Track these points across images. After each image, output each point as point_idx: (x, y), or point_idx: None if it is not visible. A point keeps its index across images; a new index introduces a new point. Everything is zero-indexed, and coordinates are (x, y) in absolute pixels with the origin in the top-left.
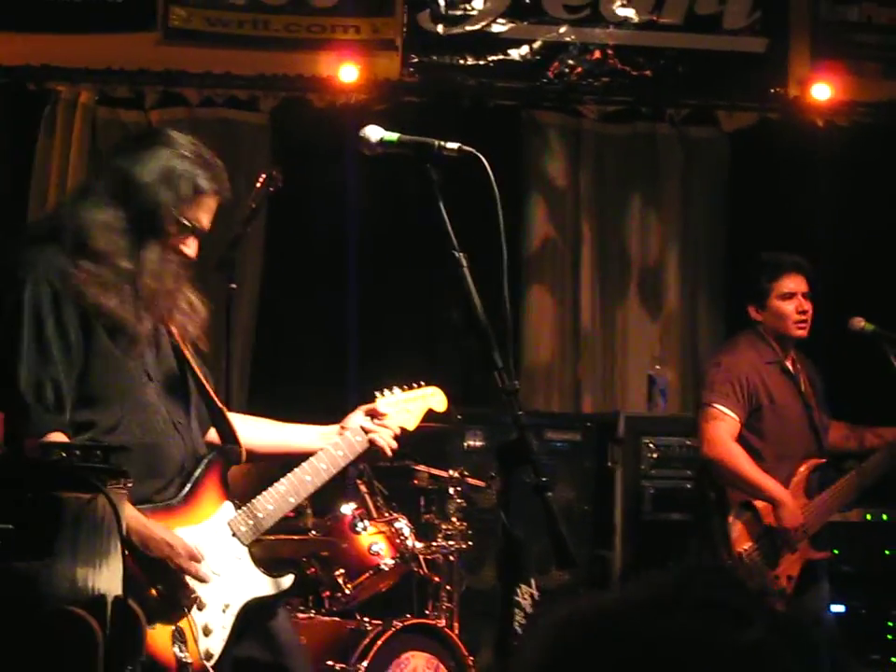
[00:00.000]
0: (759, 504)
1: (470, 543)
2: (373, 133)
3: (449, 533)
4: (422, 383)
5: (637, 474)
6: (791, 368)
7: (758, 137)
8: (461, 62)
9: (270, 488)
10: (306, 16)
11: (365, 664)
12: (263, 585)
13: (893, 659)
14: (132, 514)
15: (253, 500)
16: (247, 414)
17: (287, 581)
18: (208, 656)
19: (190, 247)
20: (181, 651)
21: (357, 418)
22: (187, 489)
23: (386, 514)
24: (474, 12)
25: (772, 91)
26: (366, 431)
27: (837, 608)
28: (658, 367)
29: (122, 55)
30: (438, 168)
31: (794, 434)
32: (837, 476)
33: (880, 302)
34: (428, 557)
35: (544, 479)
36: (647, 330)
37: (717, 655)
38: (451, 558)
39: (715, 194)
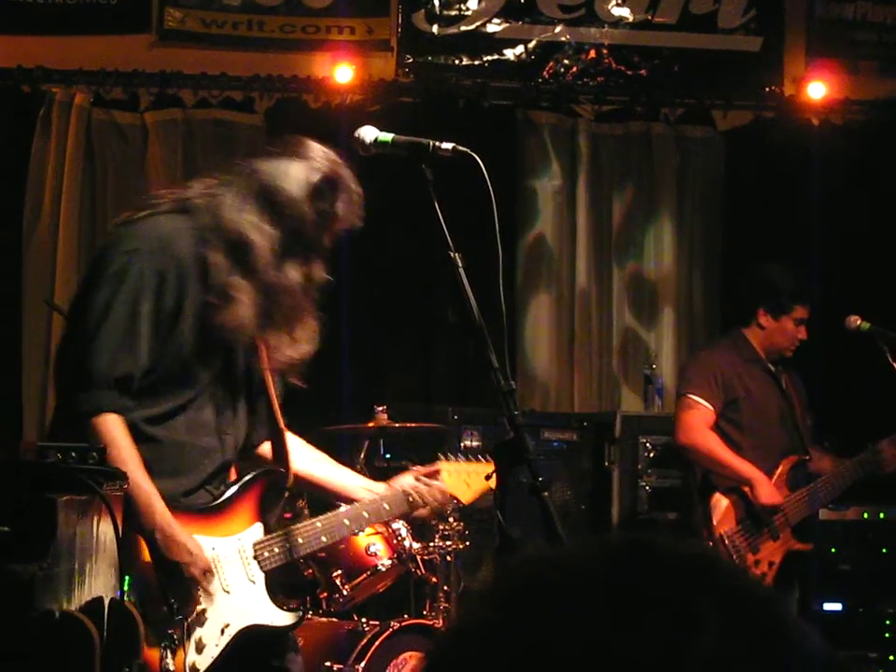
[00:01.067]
0: (745, 488)
1: (468, 543)
2: (368, 133)
3: (446, 533)
4: (487, 457)
5: (633, 473)
6: (772, 367)
7: (753, 136)
8: (456, 62)
9: (306, 522)
10: (301, 17)
11: (363, 664)
12: (268, 614)
13: (891, 657)
14: (160, 511)
15: (285, 530)
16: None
17: (292, 617)
18: (193, 670)
19: (321, 271)
20: (167, 657)
21: (409, 479)
22: (220, 500)
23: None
24: (469, 12)
25: (767, 89)
26: (414, 489)
27: (835, 605)
28: (654, 366)
29: (117, 56)
30: (433, 168)
31: (773, 428)
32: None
33: (876, 300)
34: (426, 558)
35: (541, 479)
36: (643, 330)
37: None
38: (448, 558)
39: (710, 193)
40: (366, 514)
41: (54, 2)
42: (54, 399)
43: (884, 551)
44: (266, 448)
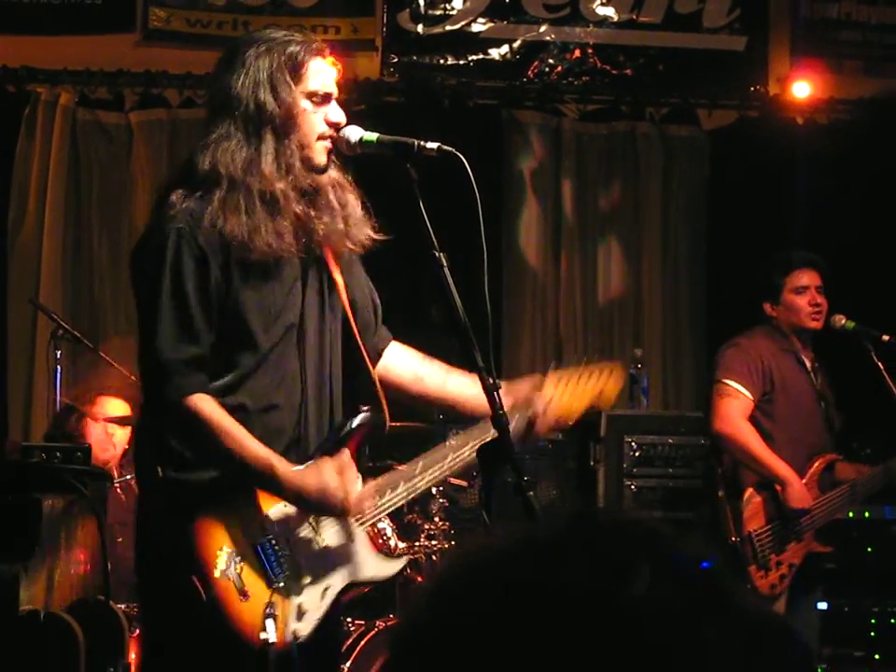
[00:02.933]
0: (779, 487)
1: (453, 543)
2: (353, 132)
3: (432, 533)
4: (595, 356)
5: (619, 473)
6: (806, 362)
7: (738, 135)
8: (441, 61)
9: (402, 468)
10: (286, 16)
11: (348, 664)
12: (372, 568)
13: (876, 656)
14: (277, 464)
15: (380, 479)
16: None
17: (401, 562)
18: (295, 638)
19: (333, 114)
20: (268, 629)
21: (523, 391)
22: (328, 451)
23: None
24: (454, 12)
25: (752, 88)
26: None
27: (820, 604)
28: (640, 365)
29: (102, 56)
30: (418, 168)
31: (806, 422)
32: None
33: (861, 299)
34: (411, 557)
35: (526, 478)
36: (628, 329)
37: (599, 610)
38: (434, 558)
39: (695, 192)
40: (472, 443)
41: (39, 1)
42: (144, 400)
43: (869, 549)
44: (394, 356)
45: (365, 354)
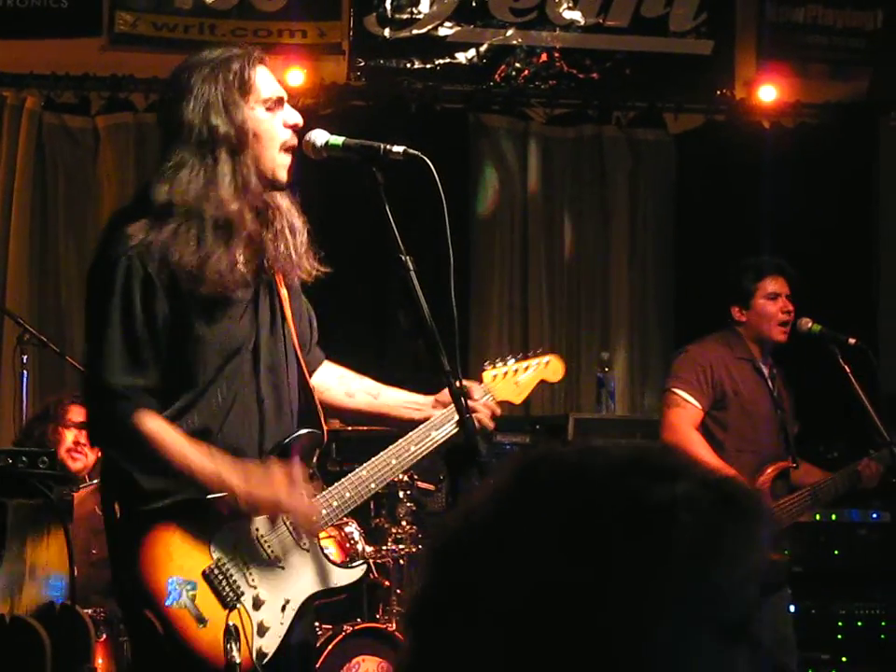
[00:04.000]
0: None
1: (420, 547)
2: (319, 136)
3: (399, 537)
4: (540, 350)
5: None
6: (764, 370)
7: (704, 139)
8: (408, 65)
9: (350, 474)
10: (252, 20)
11: (316, 667)
12: (330, 577)
13: (843, 658)
14: (225, 471)
15: (329, 488)
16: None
17: (358, 572)
18: (261, 655)
19: (289, 116)
20: (232, 649)
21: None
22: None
23: (341, 517)
24: (420, 16)
25: (718, 92)
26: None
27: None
28: (607, 368)
29: (68, 60)
30: (384, 172)
31: (760, 431)
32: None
33: (827, 302)
34: (379, 561)
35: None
36: (596, 332)
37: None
38: (401, 562)
39: (662, 196)
40: (414, 448)
41: (4, 5)
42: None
43: (836, 552)
44: (326, 375)
45: (306, 373)
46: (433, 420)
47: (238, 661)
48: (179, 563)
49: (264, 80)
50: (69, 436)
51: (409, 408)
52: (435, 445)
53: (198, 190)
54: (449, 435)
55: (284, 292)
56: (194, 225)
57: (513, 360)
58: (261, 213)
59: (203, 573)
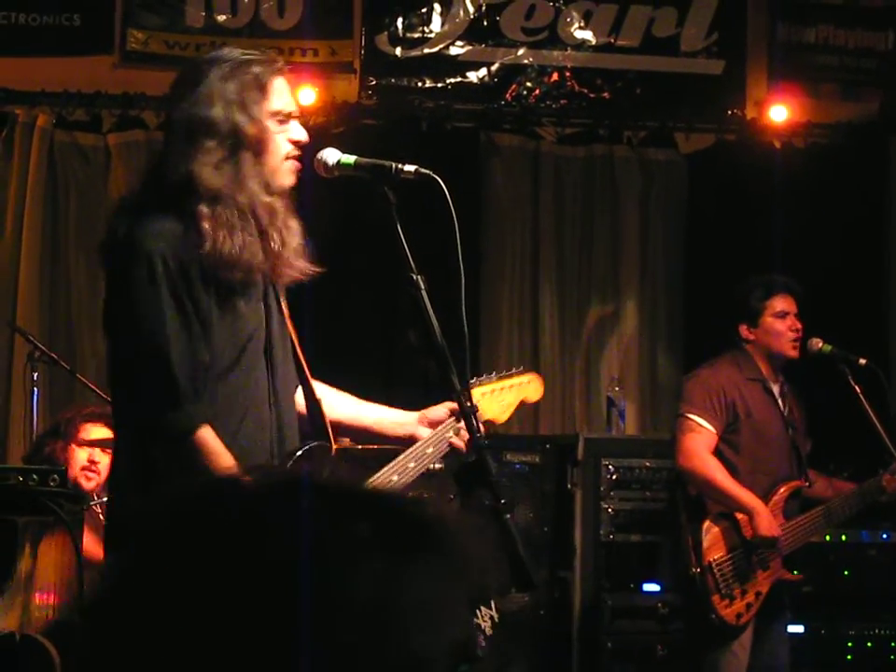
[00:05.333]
0: (739, 516)
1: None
2: (330, 155)
3: None
4: (521, 368)
5: (596, 496)
6: (774, 389)
7: (715, 159)
8: (419, 84)
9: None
10: (264, 38)
11: None
12: None
13: None
14: None
15: None
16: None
17: None
18: None
19: (295, 133)
20: None
21: (441, 412)
22: None
23: None
24: (432, 35)
25: (729, 112)
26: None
27: (797, 628)
28: (617, 388)
29: (80, 78)
30: (395, 191)
31: (772, 451)
32: (814, 504)
33: (838, 322)
34: None
35: (503, 501)
36: (606, 352)
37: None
38: None
39: (673, 215)
40: (412, 464)
41: (17, 23)
42: (130, 425)
43: (846, 573)
44: (300, 400)
45: (308, 374)
46: (429, 438)
47: None
48: None
49: (280, 91)
50: (82, 455)
51: (394, 424)
52: (430, 461)
53: (227, 181)
54: (441, 454)
55: (283, 298)
56: (230, 211)
57: (496, 377)
58: (272, 211)
59: None
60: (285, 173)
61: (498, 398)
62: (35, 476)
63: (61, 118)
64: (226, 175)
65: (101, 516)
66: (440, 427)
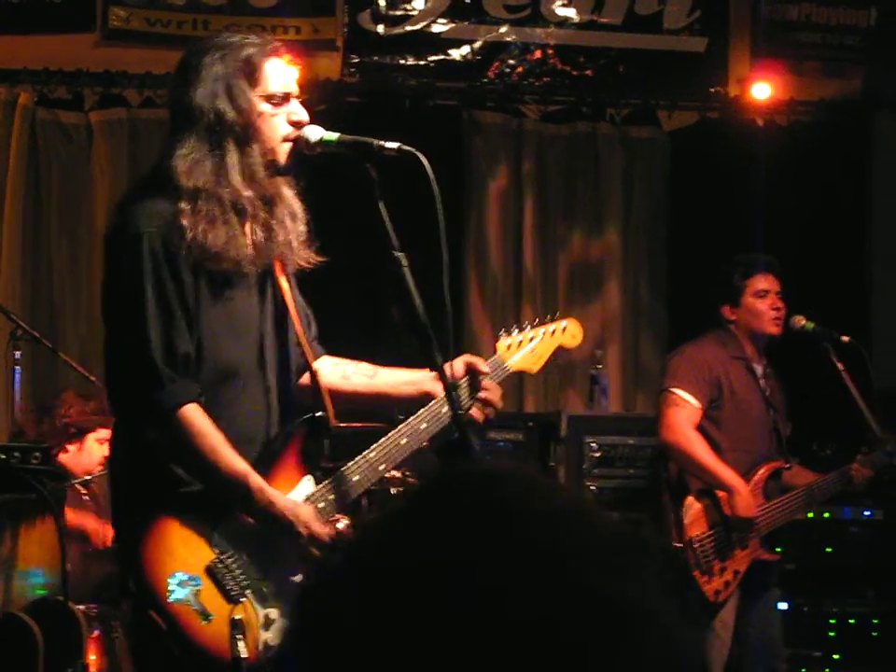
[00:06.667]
0: (720, 493)
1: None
2: (313, 132)
3: None
4: (557, 314)
5: (579, 473)
6: (757, 370)
7: (698, 136)
8: (402, 62)
9: (357, 457)
10: (246, 16)
11: None
12: None
13: (835, 656)
14: (257, 488)
15: (337, 472)
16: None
17: None
18: (267, 648)
19: (294, 112)
20: (237, 644)
21: (458, 367)
22: (271, 461)
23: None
24: (415, 12)
25: (712, 90)
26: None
27: (780, 604)
28: (600, 366)
29: (61, 56)
30: (378, 168)
31: (754, 431)
32: (793, 487)
33: (820, 299)
34: None
35: None
36: (589, 330)
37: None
38: None
39: (656, 193)
40: (425, 425)
41: None
42: (121, 408)
43: (828, 550)
44: (322, 363)
45: (309, 357)
46: (440, 399)
47: (244, 655)
48: (182, 559)
49: (274, 73)
50: (98, 450)
51: (407, 384)
52: (445, 423)
53: (211, 175)
54: (437, 429)
55: (284, 284)
56: (214, 205)
57: (529, 327)
58: (268, 202)
59: (207, 568)
60: (281, 152)
61: (528, 347)
62: (16, 454)
63: (42, 95)
64: (207, 170)
65: (83, 495)
66: (432, 403)
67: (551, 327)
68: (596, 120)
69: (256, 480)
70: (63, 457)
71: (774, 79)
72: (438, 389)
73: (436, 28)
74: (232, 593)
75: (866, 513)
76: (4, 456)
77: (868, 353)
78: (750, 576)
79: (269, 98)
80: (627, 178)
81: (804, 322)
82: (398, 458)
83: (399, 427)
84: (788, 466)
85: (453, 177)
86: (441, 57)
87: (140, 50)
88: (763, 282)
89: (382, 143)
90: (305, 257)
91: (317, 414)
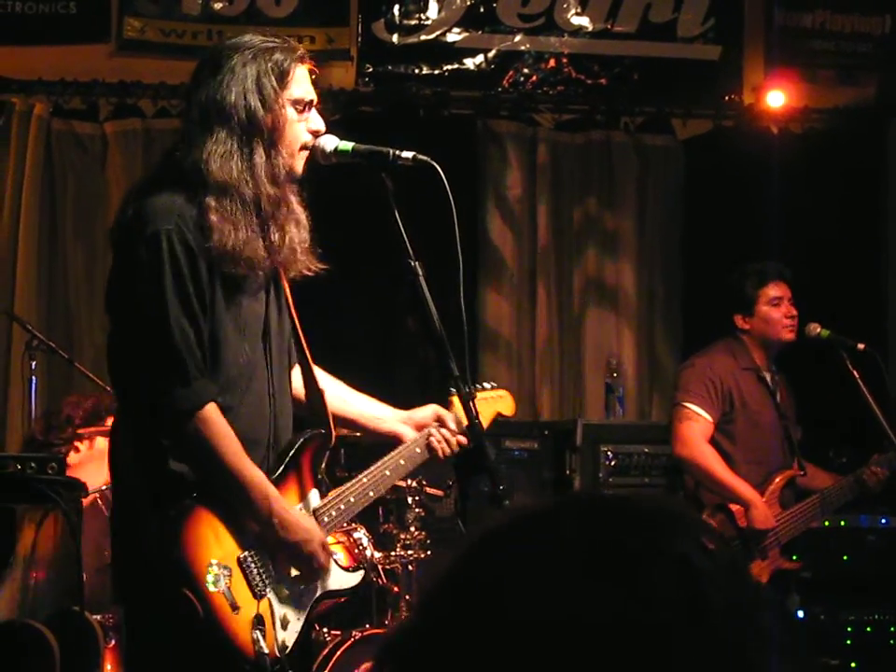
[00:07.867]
0: (733, 507)
1: (429, 553)
2: (329, 142)
3: (407, 542)
4: (493, 384)
5: (595, 482)
6: (768, 378)
7: (712, 144)
8: (416, 71)
9: (353, 480)
10: (261, 26)
11: None
12: (338, 579)
13: (853, 664)
14: (274, 496)
15: (337, 490)
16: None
17: (358, 577)
18: (283, 648)
19: (314, 122)
20: (259, 640)
21: (428, 413)
22: (280, 469)
23: (345, 524)
24: (429, 21)
25: (726, 98)
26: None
27: (798, 613)
28: (615, 374)
29: (76, 66)
30: (393, 177)
31: (767, 441)
32: (810, 489)
33: (835, 307)
34: (387, 567)
35: (501, 487)
36: (604, 338)
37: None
38: (410, 568)
39: (670, 201)
40: (402, 462)
41: (13, 12)
42: (130, 407)
43: (845, 558)
44: (297, 383)
45: (311, 364)
46: (417, 439)
47: (266, 651)
48: (218, 546)
49: (301, 80)
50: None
51: (377, 421)
52: (418, 463)
53: (239, 171)
54: (425, 459)
55: (287, 289)
56: (237, 205)
57: (479, 388)
58: (280, 206)
59: (238, 560)
60: (299, 161)
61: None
62: (33, 464)
63: (57, 106)
64: (235, 166)
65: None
66: (409, 443)
67: (493, 393)
68: (611, 129)
69: (274, 491)
70: (73, 457)
71: (788, 87)
72: (405, 431)
73: (450, 37)
74: (257, 588)
75: (883, 521)
76: (20, 467)
77: (884, 360)
78: (771, 586)
79: (295, 103)
80: (641, 187)
81: (819, 330)
82: (383, 489)
83: (385, 459)
84: (802, 473)
85: (467, 186)
86: (456, 66)
87: (155, 61)
88: (776, 290)
89: (397, 152)
90: (307, 264)
91: (319, 432)
